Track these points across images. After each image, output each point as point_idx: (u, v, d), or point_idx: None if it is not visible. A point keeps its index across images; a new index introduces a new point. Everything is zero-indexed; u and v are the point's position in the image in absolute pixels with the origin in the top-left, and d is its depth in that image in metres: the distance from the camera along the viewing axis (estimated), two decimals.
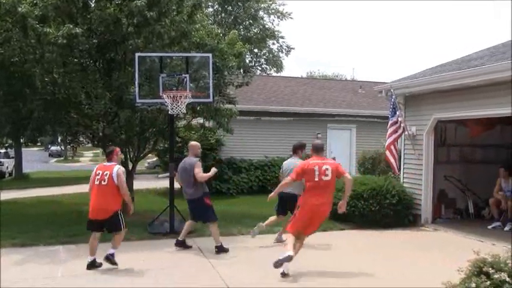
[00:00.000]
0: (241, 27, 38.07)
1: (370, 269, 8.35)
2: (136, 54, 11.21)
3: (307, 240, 8.53)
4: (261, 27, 39.96)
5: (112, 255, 8.23)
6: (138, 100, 11.44)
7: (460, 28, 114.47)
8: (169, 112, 11.16)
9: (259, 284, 7.62)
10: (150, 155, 20.19)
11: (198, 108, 13.82)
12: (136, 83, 11.22)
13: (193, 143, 10.23)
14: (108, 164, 8.45)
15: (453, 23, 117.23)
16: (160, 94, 11.05)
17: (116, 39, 11.93)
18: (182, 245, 9.77)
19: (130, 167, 14.12)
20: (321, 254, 9.56)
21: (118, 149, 8.89)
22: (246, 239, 10.48)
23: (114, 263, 8.23)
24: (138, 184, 18.24)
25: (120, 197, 8.31)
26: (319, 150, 8.33)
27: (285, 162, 10.41)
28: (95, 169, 8.48)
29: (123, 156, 9.83)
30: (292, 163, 9.79)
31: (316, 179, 7.92)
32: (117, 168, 8.27)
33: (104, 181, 8.18)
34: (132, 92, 11.77)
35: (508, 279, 5.62)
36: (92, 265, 8.24)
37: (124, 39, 11.95)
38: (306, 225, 8.05)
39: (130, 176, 13.85)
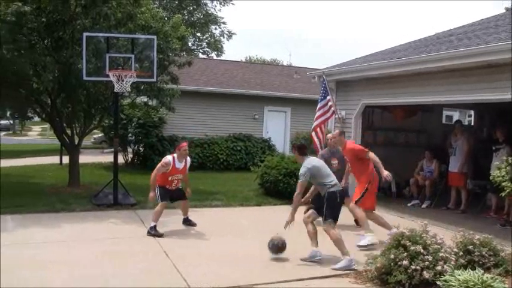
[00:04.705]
0: (185, 12, 37.65)
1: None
2: (84, 34, 10.96)
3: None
4: (204, 12, 39.68)
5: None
6: (85, 77, 11.21)
7: (398, 18, 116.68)
8: (115, 90, 11.02)
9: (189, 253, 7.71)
10: (96, 130, 19.88)
11: (142, 88, 13.69)
12: (83, 60, 10.97)
13: None
14: None
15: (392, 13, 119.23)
16: (107, 73, 10.91)
17: (64, 18, 11.59)
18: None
19: (76, 141, 13.93)
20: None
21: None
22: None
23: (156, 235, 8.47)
24: (84, 158, 17.91)
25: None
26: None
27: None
28: None
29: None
30: None
31: None
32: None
33: None
34: (79, 69, 11.46)
35: (422, 250, 5.94)
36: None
37: (72, 19, 11.66)
38: None
39: (76, 150, 13.68)
